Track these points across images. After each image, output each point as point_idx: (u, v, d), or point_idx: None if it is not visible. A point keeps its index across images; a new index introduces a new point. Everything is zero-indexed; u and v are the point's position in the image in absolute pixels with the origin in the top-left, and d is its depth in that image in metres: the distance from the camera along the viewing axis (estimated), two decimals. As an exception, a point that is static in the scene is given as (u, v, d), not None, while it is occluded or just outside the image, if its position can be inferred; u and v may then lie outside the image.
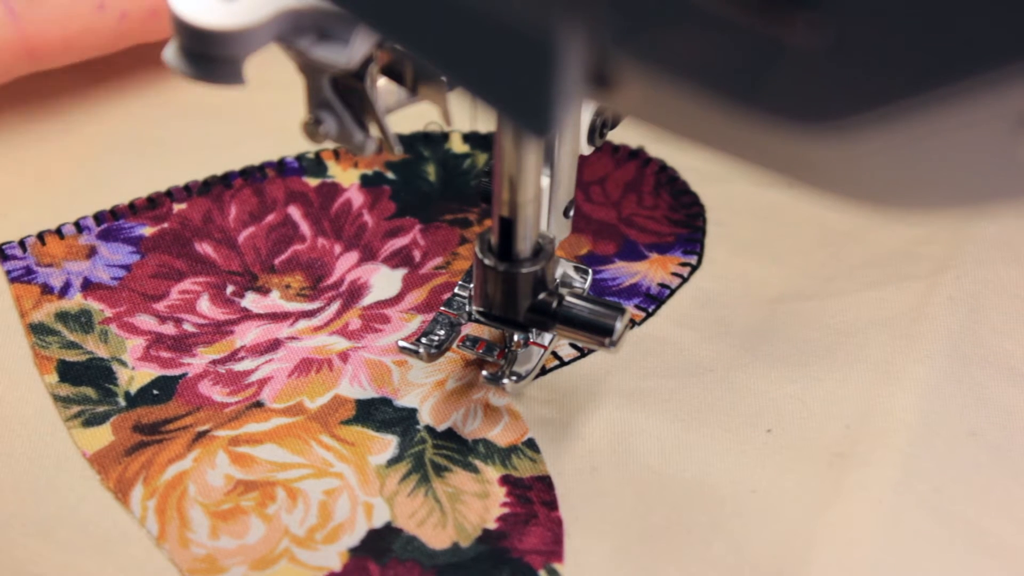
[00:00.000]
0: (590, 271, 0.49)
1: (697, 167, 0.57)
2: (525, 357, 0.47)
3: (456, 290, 0.48)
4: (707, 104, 0.28)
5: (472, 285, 0.46)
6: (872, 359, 0.49)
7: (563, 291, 0.45)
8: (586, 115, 0.46)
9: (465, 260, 0.53)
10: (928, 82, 0.25)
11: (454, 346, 0.47)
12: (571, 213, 0.48)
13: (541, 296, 0.44)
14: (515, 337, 0.47)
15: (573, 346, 0.49)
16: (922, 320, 0.50)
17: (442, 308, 0.47)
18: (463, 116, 0.42)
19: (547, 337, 0.47)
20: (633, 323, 0.50)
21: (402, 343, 0.46)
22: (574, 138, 0.45)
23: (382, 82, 0.39)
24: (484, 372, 0.46)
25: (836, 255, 0.54)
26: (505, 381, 0.45)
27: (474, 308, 0.45)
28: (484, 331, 0.48)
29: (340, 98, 0.39)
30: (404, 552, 0.43)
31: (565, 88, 0.29)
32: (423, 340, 0.46)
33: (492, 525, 0.44)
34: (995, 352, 0.49)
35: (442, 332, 0.46)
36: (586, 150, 0.46)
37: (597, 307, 0.44)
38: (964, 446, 0.46)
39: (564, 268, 0.49)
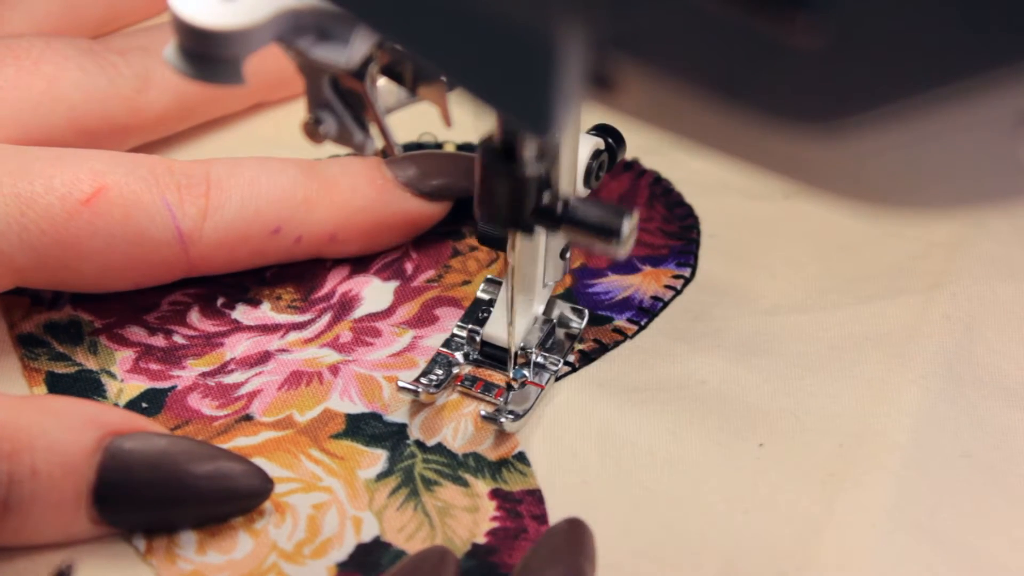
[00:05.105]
0: (586, 312, 0.50)
1: (691, 179, 0.57)
2: (522, 396, 0.47)
3: (454, 330, 0.49)
4: (707, 104, 0.28)
5: (477, 204, 0.43)
6: (866, 376, 0.48)
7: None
8: (583, 158, 0.46)
9: (457, 273, 0.52)
10: (928, 82, 0.25)
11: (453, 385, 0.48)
12: (567, 255, 0.47)
13: (546, 199, 0.43)
14: (512, 377, 0.47)
15: (565, 362, 0.49)
16: (917, 338, 0.49)
17: (440, 348, 0.48)
18: (463, 120, 0.42)
19: (544, 376, 0.48)
20: (626, 336, 0.50)
21: (401, 383, 0.47)
22: (571, 181, 0.45)
23: (382, 82, 0.39)
24: (482, 411, 0.46)
25: (830, 268, 0.53)
26: (503, 420, 0.46)
27: (476, 218, 0.43)
28: (483, 372, 0.48)
29: (340, 98, 0.39)
30: (393, 566, 0.42)
31: (565, 88, 0.29)
32: (422, 380, 0.47)
33: (482, 540, 0.43)
34: (990, 372, 0.49)
35: (440, 372, 0.47)
36: (583, 193, 0.46)
37: (604, 209, 0.42)
38: (958, 468, 0.45)
39: (561, 309, 0.50)
